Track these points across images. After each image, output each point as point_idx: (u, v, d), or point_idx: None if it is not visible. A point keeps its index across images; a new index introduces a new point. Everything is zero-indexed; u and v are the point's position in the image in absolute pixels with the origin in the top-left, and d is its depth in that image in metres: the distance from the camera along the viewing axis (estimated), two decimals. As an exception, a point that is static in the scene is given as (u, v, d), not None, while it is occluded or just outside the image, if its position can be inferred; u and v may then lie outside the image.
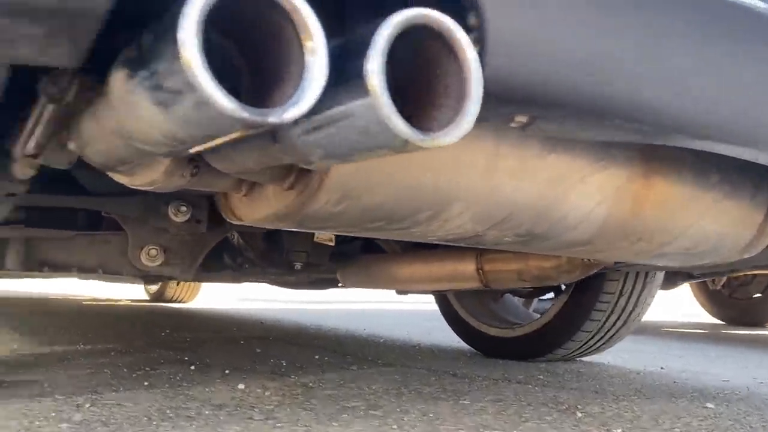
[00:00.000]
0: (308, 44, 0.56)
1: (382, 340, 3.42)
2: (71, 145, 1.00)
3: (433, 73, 0.69)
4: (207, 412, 1.60)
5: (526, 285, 2.10)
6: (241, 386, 1.95)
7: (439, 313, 3.14)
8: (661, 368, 2.72)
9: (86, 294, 6.20)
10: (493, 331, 2.83)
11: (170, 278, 1.89)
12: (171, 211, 1.73)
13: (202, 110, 0.53)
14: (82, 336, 3.07)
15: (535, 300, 3.24)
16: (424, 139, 0.64)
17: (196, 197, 1.77)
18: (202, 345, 2.93)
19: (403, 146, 0.65)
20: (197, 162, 1.02)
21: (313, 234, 2.11)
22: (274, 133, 0.72)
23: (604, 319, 2.55)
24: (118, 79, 0.66)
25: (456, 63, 0.66)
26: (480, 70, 0.66)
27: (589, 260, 1.82)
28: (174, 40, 0.51)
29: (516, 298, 3.14)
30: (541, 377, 2.36)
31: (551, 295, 2.81)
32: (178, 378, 2.06)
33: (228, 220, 1.21)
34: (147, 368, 2.20)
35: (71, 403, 1.65)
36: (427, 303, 4.96)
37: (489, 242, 1.32)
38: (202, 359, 2.42)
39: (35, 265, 1.74)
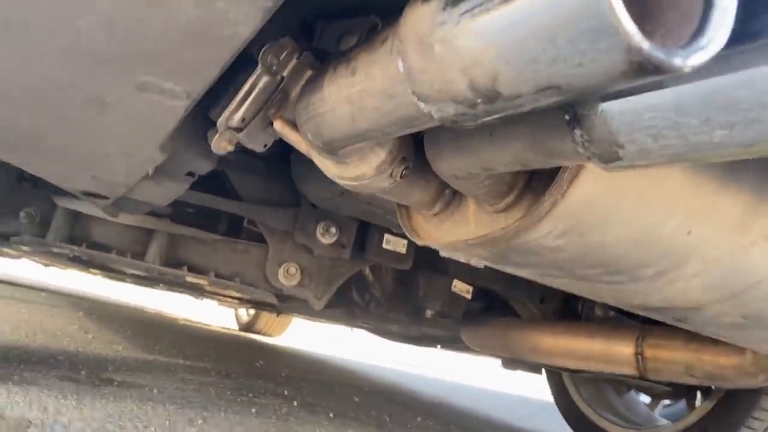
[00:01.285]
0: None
1: (480, 416, 3.17)
2: (277, 125, 0.90)
3: None
4: (324, 455, 1.43)
5: (693, 382, 1.82)
6: (351, 434, 1.78)
7: (520, 396, 2.87)
8: None
9: (178, 314, 6.26)
10: (615, 430, 2.52)
11: (302, 300, 1.77)
12: (319, 230, 1.63)
13: (594, 42, 0.39)
14: (181, 351, 3.01)
15: (661, 403, 2.90)
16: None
17: (346, 220, 1.66)
18: (299, 383, 2.79)
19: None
20: (408, 163, 0.90)
21: (452, 283, 1.95)
22: (576, 111, 0.58)
23: (754, 439, 2.21)
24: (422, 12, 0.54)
25: None
26: None
27: (781, 365, 1.54)
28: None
29: (641, 396, 2.83)
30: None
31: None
32: (283, 412, 1.91)
33: (411, 239, 1.07)
34: (251, 395, 2.08)
35: (183, 415, 1.53)
36: (503, 383, 4.62)
37: (701, 320, 1.11)
38: (303, 397, 2.27)
39: (175, 262, 1.67)
